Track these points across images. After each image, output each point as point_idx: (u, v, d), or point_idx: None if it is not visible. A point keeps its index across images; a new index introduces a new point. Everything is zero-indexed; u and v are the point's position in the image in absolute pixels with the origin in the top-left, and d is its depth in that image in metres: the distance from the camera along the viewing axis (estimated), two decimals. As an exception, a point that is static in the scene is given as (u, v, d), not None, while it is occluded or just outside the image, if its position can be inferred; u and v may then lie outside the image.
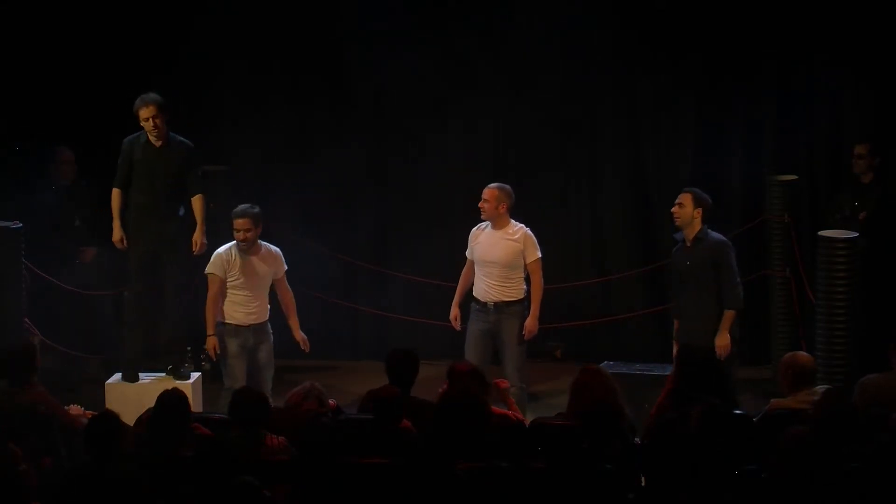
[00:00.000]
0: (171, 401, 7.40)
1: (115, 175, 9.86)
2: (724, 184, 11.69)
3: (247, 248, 9.71)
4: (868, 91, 11.37)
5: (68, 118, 11.53)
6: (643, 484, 7.11)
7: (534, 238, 9.77)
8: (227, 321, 9.77)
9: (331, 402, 7.97)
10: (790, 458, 6.58)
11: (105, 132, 10.88)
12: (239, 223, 9.70)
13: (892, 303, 10.36)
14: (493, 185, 9.83)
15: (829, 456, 6.62)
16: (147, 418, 7.52)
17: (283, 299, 9.99)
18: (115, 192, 9.84)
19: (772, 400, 8.04)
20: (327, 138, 11.99)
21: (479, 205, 9.79)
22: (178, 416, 7.37)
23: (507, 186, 9.80)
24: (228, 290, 9.76)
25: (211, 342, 9.74)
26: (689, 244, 9.56)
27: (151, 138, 9.77)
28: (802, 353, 8.24)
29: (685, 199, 9.57)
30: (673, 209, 9.59)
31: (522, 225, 9.79)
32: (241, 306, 9.76)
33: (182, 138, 9.93)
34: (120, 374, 10.04)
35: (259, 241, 9.80)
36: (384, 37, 11.59)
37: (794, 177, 11.24)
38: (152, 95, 9.74)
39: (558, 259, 11.62)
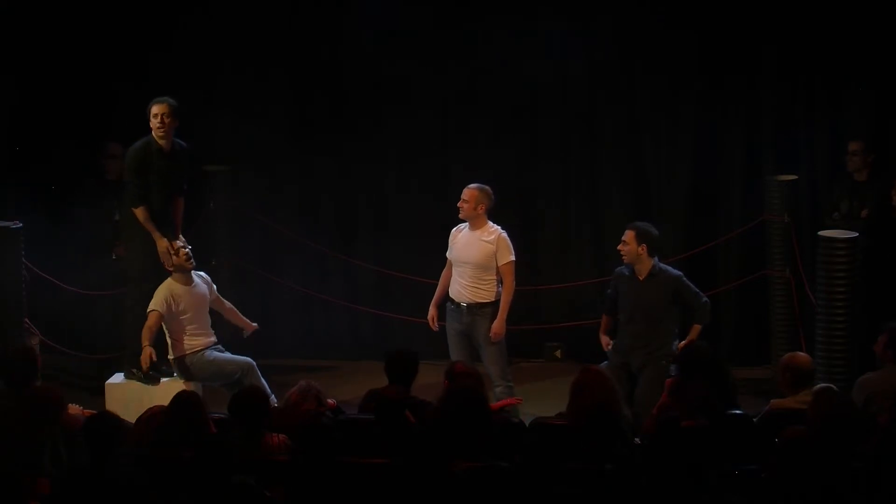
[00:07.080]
0: (185, 401, 7.38)
1: (135, 193, 9.77)
2: (724, 184, 11.70)
3: (192, 267, 9.81)
4: (868, 91, 11.36)
5: (67, 118, 11.56)
6: (643, 484, 7.10)
7: (508, 241, 9.75)
8: (187, 352, 9.79)
9: (330, 401, 7.98)
10: (790, 458, 6.58)
11: (102, 132, 10.89)
12: (180, 244, 9.78)
13: (892, 303, 10.35)
14: (472, 185, 9.81)
15: (829, 456, 6.62)
16: (147, 417, 7.51)
17: (226, 312, 10.06)
18: (143, 209, 9.78)
19: (772, 400, 8.04)
20: (327, 139, 11.98)
21: (459, 204, 9.79)
22: (193, 416, 7.32)
23: (488, 188, 9.77)
24: (185, 327, 9.79)
25: (147, 352, 9.57)
26: (641, 279, 9.55)
27: (158, 138, 9.77)
28: (801, 354, 8.24)
29: (628, 236, 9.56)
30: (619, 246, 9.59)
31: (499, 227, 9.77)
32: (198, 337, 9.83)
33: (180, 141, 9.96)
34: (120, 374, 10.04)
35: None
36: (385, 38, 11.59)
37: (794, 177, 11.24)
38: (168, 97, 9.80)
39: (558, 259, 11.62)
